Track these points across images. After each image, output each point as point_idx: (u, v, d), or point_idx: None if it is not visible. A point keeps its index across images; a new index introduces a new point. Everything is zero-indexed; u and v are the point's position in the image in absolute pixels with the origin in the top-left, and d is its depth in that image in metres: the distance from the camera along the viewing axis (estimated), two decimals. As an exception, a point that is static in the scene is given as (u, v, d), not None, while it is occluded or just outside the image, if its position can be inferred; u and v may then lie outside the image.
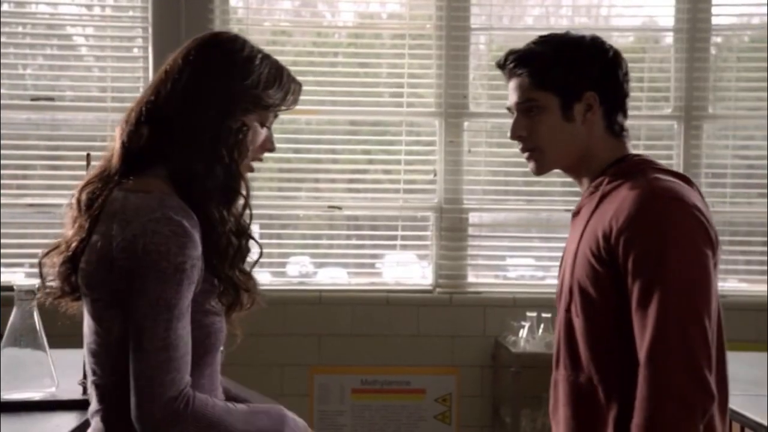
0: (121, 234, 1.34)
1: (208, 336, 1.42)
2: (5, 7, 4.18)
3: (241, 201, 1.48)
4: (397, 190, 4.36)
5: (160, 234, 1.32)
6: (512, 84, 1.66)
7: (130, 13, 4.30)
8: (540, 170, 1.67)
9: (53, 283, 1.49)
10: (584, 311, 1.57)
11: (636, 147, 4.26)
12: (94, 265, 1.39)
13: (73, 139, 4.35)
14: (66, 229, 1.48)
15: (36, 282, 2.27)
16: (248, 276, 1.49)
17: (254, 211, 1.54)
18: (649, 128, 4.38)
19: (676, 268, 1.44)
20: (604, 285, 1.52)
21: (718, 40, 4.39)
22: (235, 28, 4.31)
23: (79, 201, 1.46)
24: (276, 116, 1.53)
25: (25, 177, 4.37)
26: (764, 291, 4.34)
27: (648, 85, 4.40)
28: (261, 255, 1.53)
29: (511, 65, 1.65)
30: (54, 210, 4.29)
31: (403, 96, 4.31)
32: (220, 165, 1.42)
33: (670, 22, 4.38)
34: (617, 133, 1.65)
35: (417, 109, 4.34)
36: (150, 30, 4.20)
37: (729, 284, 4.37)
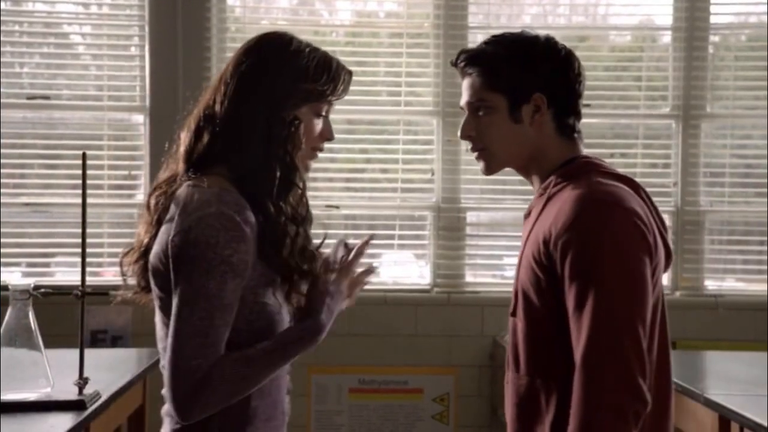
0: (180, 225, 1.42)
1: (263, 329, 1.47)
2: (2, 5, 4.16)
3: (299, 191, 1.55)
4: (394, 189, 4.35)
5: (212, 227, 1.40)
6: (464, 83, 1.66)
7: (127, 12, 4.28)
8: (489, 170, 1.68)
9: (131, 280, 1.59)
10: (526, 315, 1.57)
11: (634, 146, 4.35)
12: (158, 256, 1.47)
13: (69, 138, 4.34)
14: (139, 230, 1.58)
15: (32, 281, 2.28)
16: (312, 259, 1.54)
17: None
18: (647, 127, 4.37)
19: (610, 277, 1.44)
20: (545, 290, 1.52)
21: (716, 39, 4.38)
22: (231, 27, 4.30)
23: (148, 204, 1.57)
24: (331, 105, 1.59)
25: (22, 176, 4.36)
26: (762, 290, 4.34)
27: (646, 84, 4.39)
28: (325, 237, 1.63)
29: (462, 64, 1.65)
30: (51, 209, 4.29)
31: (401, 95, 4.30)
32: (275, 159, 1.49)
33: (668, 20, 4.37)
34: (568, 134, 1.64)
35: (415, 108, 4.33)
36: (147, 28, 4.19)
37: (727, 284, 4.37)
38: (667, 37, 4.44)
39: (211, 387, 1.39)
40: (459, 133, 1.68)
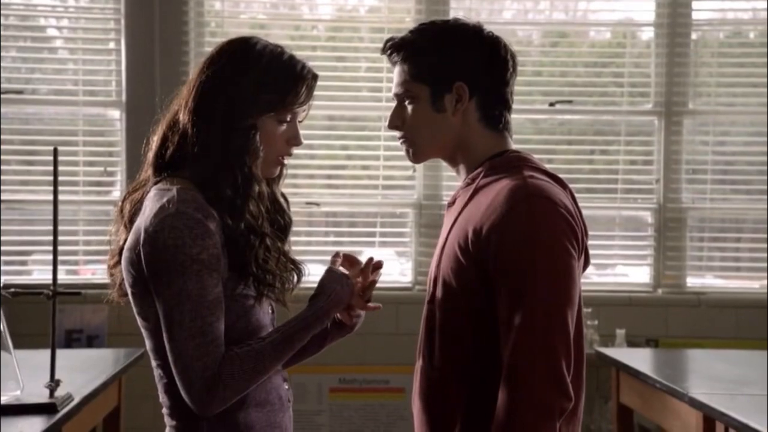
0: (147, 230, 1.45)
1: (239, 319, 1.50)
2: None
3: (256, 201, 1.55)
4: (375, 186, 4.31)
5: (176, 228, 1.43)
6: (394, 72, 1.65)
7: (103, 5, 4.21)
8: (415, 159, 1.67)
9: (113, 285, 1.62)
10: (445, 304, 1.56)
11: (616, 143, 4.33)
12: (128, 260, 1.50)
13: (44, 133, 4.27)
14: (116, 235, 1.61)
15: (0, 280, 2.22)
16: (276, 271, 1.56)
17: None
18: (629, 124, 4.35)
19: (544, 276, 1.43)
20: (468, 280, 1.51)
21: (698, 35, 4.37)
22: (211, 22, 4.24)
23: (122, 210, 1.60)
24: (296, 112, 1.58)
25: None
26: (745, 288, 4.34)
27: (628, 80, 4.37)
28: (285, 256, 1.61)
29: (389, 53, 1.64)
30: (26, 206, 4.21)
31: (382, 91, 4.25)
32: (231, 168, 1.51)
33: (650, 17, 4.35)
34: (494, 125, 1.63)
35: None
36: (123, 22, 4.12)
37: (709, 281, 4.37)
38: (649, 34, 4.42)
39: (224, 384, 1.44)
40: (387, 124, 1.68)
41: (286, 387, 1.63)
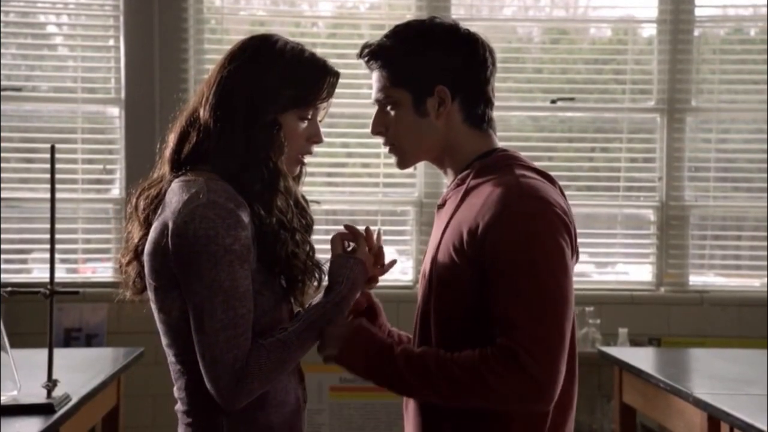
0: (173, 221, 1.43)
1: (265, 315, 1.49)
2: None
3: (284, 196, 1.55)
4: (376, 184, 4.28)
5: (208, 218, 1.41)
6: (373, 77, 1.63)
7: (102, 1, 4.18)
8: (402, 165, 1.66)
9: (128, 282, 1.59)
10: (441, 306, 1.54)
11: (618, 140, 4.30)
12: (152, 253, 1.47)
13: (43, 131, 4.24)
14: (130, 233, 1.58)
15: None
16: (305, 268, 1.55)
17: None
18: (631, 121, 4.33)
19: (541, 274, 1.43)
20: (464, 281, 1.50)
21: (701, 32, 4.34)
22: (211, 19, 4.22)
23: (137, 206, 1.57)
24: (318, 108, 1.58)
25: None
26: (748, 286, 4.32)
27: (630, 78, 4.34)
28: (312, 249, 1.58)
29: (365, 59, 1.62)
30: (26, 204, 4.19)
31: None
32: (256, 164, 1.50)
33: (652, 13, 4.32)
34: (478, 124, 1.61)
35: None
36: (122, 18, 4.09)
37: (712, 279, 4.34)
38: (650, 30, 4.39)
39: (252, 375, 1.43)
40: (370, 130, 1.66)
41: (302, 388, 1.63)
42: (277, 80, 1.52)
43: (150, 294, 1.52)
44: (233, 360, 1.41)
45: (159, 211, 1.50)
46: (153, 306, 1.52)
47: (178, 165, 1.54)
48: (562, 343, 1.42)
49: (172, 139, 1.57)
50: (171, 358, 1.52)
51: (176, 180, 1.51)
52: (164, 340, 1.52)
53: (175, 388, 1.54)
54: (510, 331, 1.41)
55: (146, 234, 1.52)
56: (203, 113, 1.52)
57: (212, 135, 1.51)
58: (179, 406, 1.54)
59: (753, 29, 4.52)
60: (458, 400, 1.46)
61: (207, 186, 1.45)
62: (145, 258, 1.50)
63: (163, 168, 1.58)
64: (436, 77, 1.57)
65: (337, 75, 1.58)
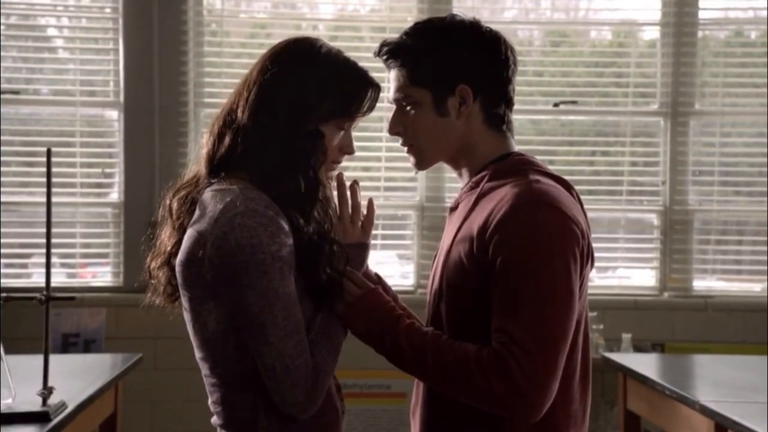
0: (212, 231, 1.39)
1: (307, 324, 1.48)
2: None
3: (323, 205, 1.52)
4: (377, 188, 4.25)
5: (248, 227, 1.37)
6: (390, 76, 1.60)
7: (101, 4, 4.16)
8: (420, 166, 1.63)
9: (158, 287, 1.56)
10: (452, 311, 1.52)
11: (621, 144, 4.27)
12: (185, 263, 1.43)
13: (41, 134, 4.21)
14: (160, 234, 1.55)
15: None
16: (338, 277, 1.51)
17: None
18: (635, 125, 4.29)
19: (541, 285, 1.39)
20: (474, 285, 1.47)
21: (705, 34, 4.31)
22: (210, 22, 4.19)
23: (170, 208, 1.52)
24: (355, 119, 1.55)
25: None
26: (753, 291, 4.28)
27: (633, 81, 4.31)
28: (347, 259, 1.54)
29: (384, 58, 1.59)
30: (25, 208, 4.15)
31: (384, 91, 4.18)
32: (296, 171, 1.46)
33: (655, 16, 4.29)
34: (497, 125, 1.58)
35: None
36: (121, 21, 4.07)
37: (716, 284, 4.31)
38: (652, 33, 4.36)
39: (321, 375, 1.42)
40: (387, 130, 1.62)
41: (340, 398, 1.59)
42: (323, 89, 1.49)
43: (184, 304, 1.47)
44: (305, 364, 1.40)
45: (194, 217, 1.46)
46: (187, 317, 1.48)
47: (213, 167, 1.50)
48: (556, 358, 1.38)
49: (206, 139, 1.53)
50: (206, 371, 1.48)
51: (209, 188, 1.46)
52: (199, 353, 1.48)
53: (210, 402, 1.50)
54: (505, 339, 1.38)
55: (179, 240, 1.48)
56: (241, 115, 1.48)
57: (250, 138, 1.47)
58: (216, 420, 1.50)
59: (754, 32, 4.49)
60: (442, 387, 1.45)
61: (243, 194, 1.41)
62: (178, 267, 1.45)
63: (199, 169, 1.53)
64: (457, 76, 1.53)
65: (379, 88, 1.55)
